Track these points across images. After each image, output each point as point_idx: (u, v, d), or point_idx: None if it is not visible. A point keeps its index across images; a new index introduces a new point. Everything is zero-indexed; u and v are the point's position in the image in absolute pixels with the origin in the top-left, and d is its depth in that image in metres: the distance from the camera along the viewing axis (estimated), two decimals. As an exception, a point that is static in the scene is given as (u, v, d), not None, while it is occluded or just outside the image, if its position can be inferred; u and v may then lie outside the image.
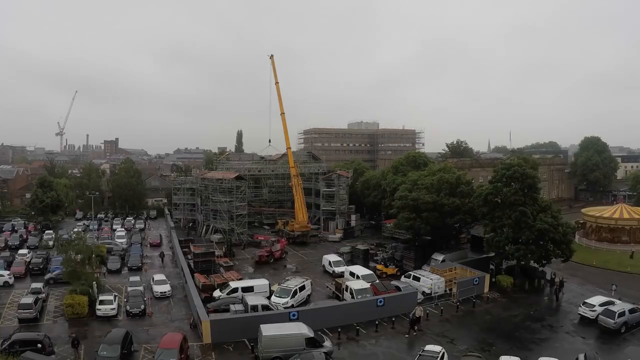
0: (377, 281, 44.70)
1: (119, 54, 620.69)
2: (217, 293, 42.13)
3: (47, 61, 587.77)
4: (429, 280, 43.83)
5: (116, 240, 66.27)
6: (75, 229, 65.92)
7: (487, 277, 45.83)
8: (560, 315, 39.95)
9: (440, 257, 51.31)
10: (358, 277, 44.94)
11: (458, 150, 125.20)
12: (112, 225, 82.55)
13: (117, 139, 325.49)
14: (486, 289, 44.79)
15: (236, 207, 70.77)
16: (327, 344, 31.45)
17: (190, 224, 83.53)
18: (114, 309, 38.27)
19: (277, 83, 75.12)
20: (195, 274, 46.77)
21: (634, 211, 65.65)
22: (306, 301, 42.34)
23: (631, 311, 36.00)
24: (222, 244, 63.78)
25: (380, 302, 38.70)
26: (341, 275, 48.11)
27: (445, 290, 43.82)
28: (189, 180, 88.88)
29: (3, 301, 40.97)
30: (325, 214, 78.24)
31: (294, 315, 35.01)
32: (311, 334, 31.02)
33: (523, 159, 52.29)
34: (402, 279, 46.45)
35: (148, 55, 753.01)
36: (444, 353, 29.32)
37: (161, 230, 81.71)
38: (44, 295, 40.68)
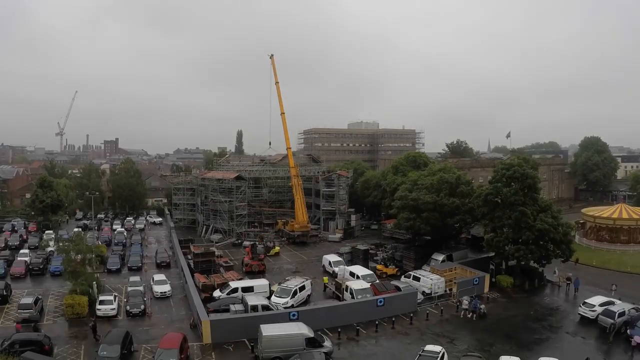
0: (377, 281, 44.75)
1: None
2: (217, 293, 42.16)
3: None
4: (429, 280, 43.87)
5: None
6: (75, 229, 65.90)
7: (487, 277, 45.87)
8: (560, 315, 39.94)
9: (440, 257, 51.28)
10: (358, 277, 44.97)
11: (458, 150, 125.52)
12: (112, 226, 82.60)
13: (117, 139, 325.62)
14: (486, 289, 44.83)
15: (236, 207, 70.80)
16: (327, 344, 31.45)
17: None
18: (114, 309, 38.30)
19: (277, 83, 75.26)
20: (195, 274, 46.80)
21: (634, 211, 65.68)
22: (306, 301, 42.35)
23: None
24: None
25: (380, 302, 38.71)
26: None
27: (445, 290, 43.88)
28: (186, 181, 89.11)
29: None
30: (325, 214, 78.27)
31: (294, 315, 35.03)
32: (311, 334, 31.02)
33: (523, 159, 52.19)
34: (402, 279, 46.48)
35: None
36: (444, 353, 29.32)
37: (162, 231, 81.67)
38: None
